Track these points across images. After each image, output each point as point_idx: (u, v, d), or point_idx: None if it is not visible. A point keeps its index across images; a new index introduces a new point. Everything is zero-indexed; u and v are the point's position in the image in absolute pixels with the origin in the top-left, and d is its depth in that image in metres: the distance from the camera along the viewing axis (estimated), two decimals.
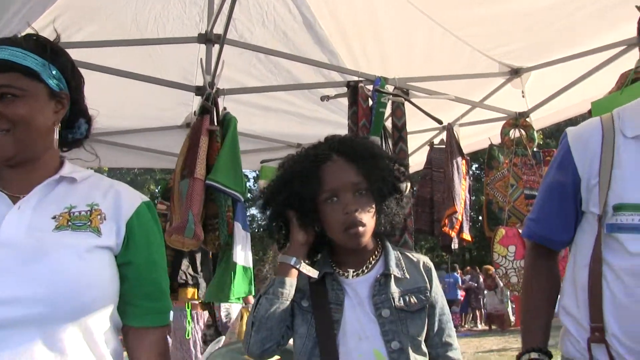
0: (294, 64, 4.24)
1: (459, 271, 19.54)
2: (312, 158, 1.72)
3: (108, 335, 1.43)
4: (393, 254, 1.77)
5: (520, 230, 3.92)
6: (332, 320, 1.65)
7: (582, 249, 1.71)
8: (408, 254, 1.83)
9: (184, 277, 4.77)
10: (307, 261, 1.75)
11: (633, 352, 1.55)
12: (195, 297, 4.88)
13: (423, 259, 1.83)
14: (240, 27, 4.06)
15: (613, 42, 3.55)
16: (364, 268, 1.74)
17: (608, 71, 3.64)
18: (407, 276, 1.73)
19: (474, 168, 22.58)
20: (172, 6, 3.92)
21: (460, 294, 17.77)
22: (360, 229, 1.65)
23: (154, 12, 3.93)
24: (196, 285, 4.87)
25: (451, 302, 17.02)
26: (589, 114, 3.48)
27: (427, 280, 1.76)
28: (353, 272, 1.73)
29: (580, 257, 1.70)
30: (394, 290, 1.68)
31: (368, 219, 1.68)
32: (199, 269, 4.89)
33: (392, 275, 1.70)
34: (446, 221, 4.27)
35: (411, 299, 1.69)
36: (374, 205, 1.71)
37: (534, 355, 1.71)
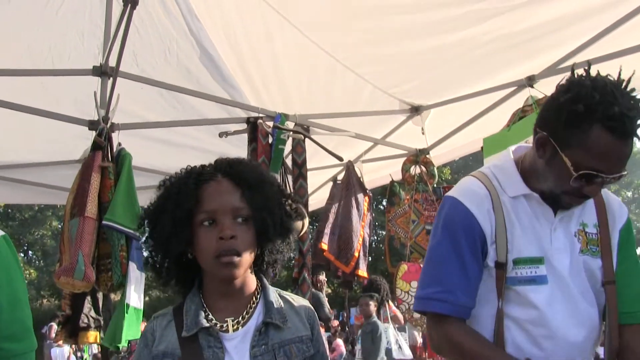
0: (197, 98, 4.19)
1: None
2: (194, 176, 1.56)
3: None
4: (274, 298, 1.61)
5: (422, 266, 3.97)
6: None
7: (484, 302, 1.75)
8: (289, 297, 1.68)
9: (85, 321, 4.52)
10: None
11: None
12: (98, 340, 4.65)
13: (305, 304, 1.70)
14: (141, 62, 3.98)
15: (504, 82, 3.72)
16: (244, 314, 1.56)
17: (502, 110, 3.81)
18: (289, 324, 1.58)
19: (384, 202, 22.91)
20: (69, 37, 3.80)
21: None
22: (235, 258, 1.46)
23: (49, 43, 3.80)
24: (98, 327, 4.63)
25: None
26: (481, 150, 3.64)
27: (309, 328, 1.62)
28: (233, 321, 1.54)
29: (484, 310, 1.74)
30: (275, 340, 1.53)
31: (245, 249, 1.49)
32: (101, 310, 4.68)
33: (274, 324, 1.55)
34: (330, 256, 4.29)
35: (292, 350, 1.54)
36: (254, 236, 1.53)
37: None
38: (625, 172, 1.61)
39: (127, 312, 3.05)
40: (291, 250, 1.69)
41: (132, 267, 3.15)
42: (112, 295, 4.46)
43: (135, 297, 3.10)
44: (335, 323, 20.09)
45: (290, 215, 1.65)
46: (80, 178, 3.10)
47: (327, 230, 4.43)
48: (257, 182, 1.57)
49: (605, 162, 1.56)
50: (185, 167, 1.64)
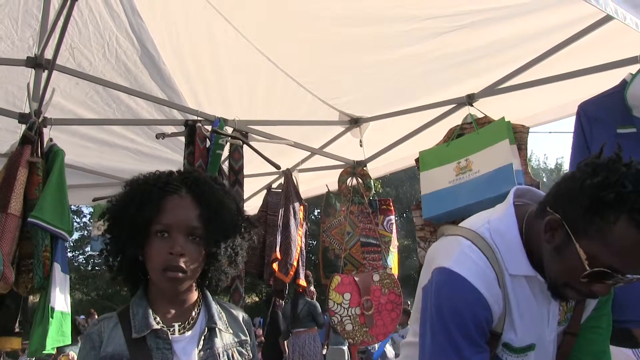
0: (134, 99, 4.10)
1: None
2: (160, 185, 1.60)
3: None
4: (214, 306, 1.69)
5: (356, 278, 3.98)
6: None
7: None
8: (227, 306, 1.77)
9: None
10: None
11: None
12: (19, 346, 4.38)
13: (242, 312, 1.79)
14: (78, 56, 3.86)
15: (445, 99, 3.80)
16: (190, 320, 1.63)
17: (441, 126, 3.87)
18: (230, 330, 1.68)
19: (315, 213, 22.90)
20: (1, 26, 3.64)
21: None
22: (180, 275, 1.53)
23: None
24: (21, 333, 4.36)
25: None
26: (416, 162, 3.69)
27: (247, 334, 1.73)
28: (179, 325, 1.60)
29: None
30: (219, 345, 1.61)
31: (192, 267, 1.56)
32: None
33: (217, 329, 1.63)
34: (276, 266, 4.25)
35: (234, 354, 1.64)
36: (203, 255, 1.60)
37: None
38: None
39: (52, 317, 2.89)
40: (238, 271, 1.77)
41: (57, 269, 3.00)
42: (31, 298, 4.24)
43: (61, 299, 2.95)
44: (260, 331, 19.82)
45: (244, 237, 1.72)
46: (5, 172, 2.94)
47: (279, 239, 4.37)
48: (218, 206, 1.63)
49: (627, 262, 1.37)
50: (154, 171, 1.68)
